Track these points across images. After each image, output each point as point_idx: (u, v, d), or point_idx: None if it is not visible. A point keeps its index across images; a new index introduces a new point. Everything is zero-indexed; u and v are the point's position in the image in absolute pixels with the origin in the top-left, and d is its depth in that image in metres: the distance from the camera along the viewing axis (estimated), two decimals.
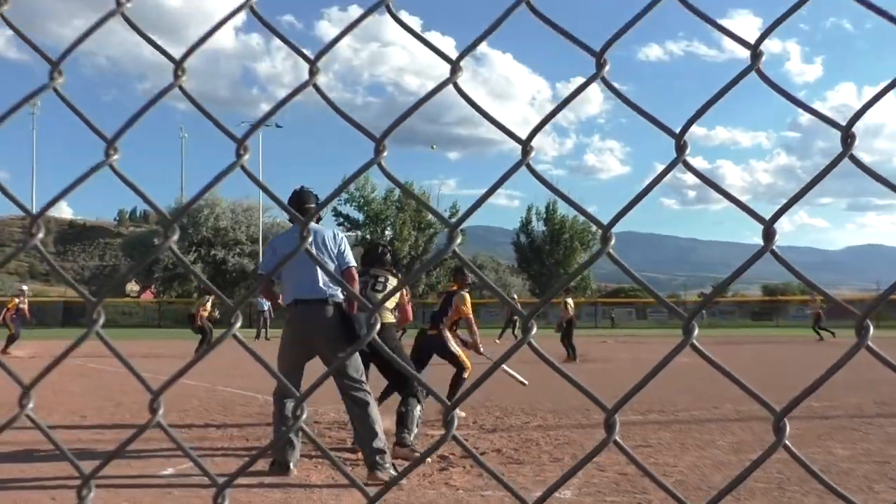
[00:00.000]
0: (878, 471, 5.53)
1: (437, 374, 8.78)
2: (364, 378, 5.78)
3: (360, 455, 6.19)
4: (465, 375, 8.44)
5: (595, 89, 0.83)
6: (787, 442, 0.73)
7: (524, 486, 5.13)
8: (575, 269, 0.75)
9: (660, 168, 0.83)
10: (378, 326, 0.80)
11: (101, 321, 0.85)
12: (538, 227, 68.85)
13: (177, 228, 0.80)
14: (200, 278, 0.87)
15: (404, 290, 7.09)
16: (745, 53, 0.76)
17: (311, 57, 0.84)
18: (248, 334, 29.22)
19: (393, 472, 5.37)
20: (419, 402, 6.49)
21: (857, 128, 0.73)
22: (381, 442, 5.46)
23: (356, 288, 6.04)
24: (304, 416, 0.82)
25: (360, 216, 66.47)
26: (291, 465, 5.54)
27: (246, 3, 0.80)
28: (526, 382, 8.75)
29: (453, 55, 0.83)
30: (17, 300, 20.59)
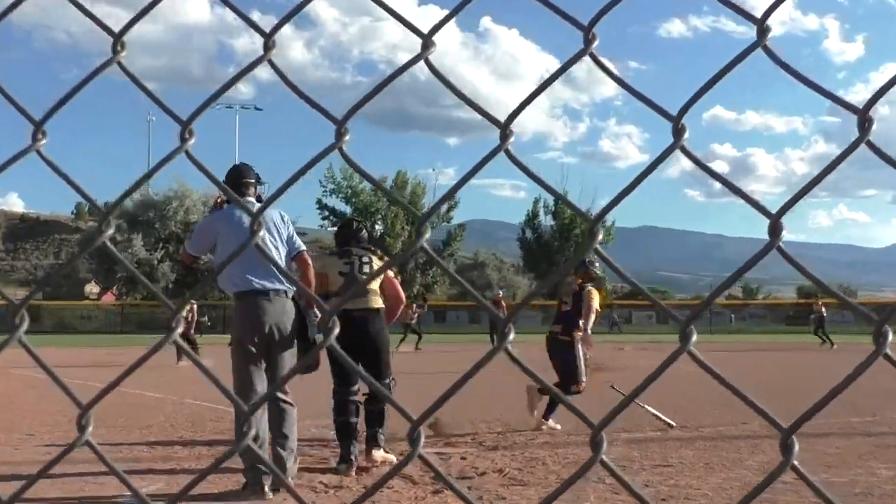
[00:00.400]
0: None
1: (438, 383, 8.78)
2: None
3: (340, 478, 6.19)
4: (576, 390, 8.55)
5: (611, 67, 0.82)
6: (795, 462, 0.73)
7: None
8: (554, 270, 0.75)
9: (683, 158, 0.83)
10: (336, 330, 0.80)
11: (25, 326, 0.85)
12: (546, 221, 69.07)
13: (111, 222, 0.80)
14: (141, 279, 0.87)
15: (395, 272, 7.10)
16: (780, 30, 0.76)
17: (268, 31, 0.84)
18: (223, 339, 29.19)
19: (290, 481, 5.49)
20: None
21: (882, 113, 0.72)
22: (294, 445, 5.66)
23: (311, 273, 6.11)
24: (253, 433, 0.81)
25: (347, 209, 66.51)
26: (266, 487, 5.48)
27: None
28: (674, 424, 8.55)
29: (454, 31, 0.82)
30: None
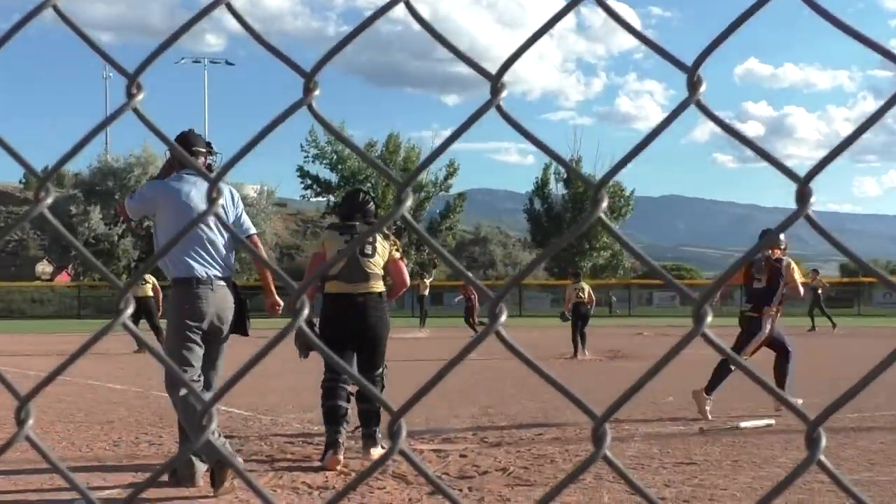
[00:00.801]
0: None
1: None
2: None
3: (325, 478, 6.23)
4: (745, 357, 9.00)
5: (630, 14, 0.81)
6: (822, 457, 0.73)
7: None
8: (551, 243, 0.74)
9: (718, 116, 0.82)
10: (305, 312, 0.80)
11: None
12: (557, 189, 68.83)
13: (50, 189, 0.79)
14: (85, 253, 0.86)
15: (394, 248, 7.08)
16: None
17: None
18: None
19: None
20: (381, 391, 6.80)
21: None
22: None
23: (262, 254, 6.15)
24: (214, 426, 0.81)
25: (333, 177, 66.37)
26: (198, 476, 5.78)
27: None
28: (773, 423, 8.51)
29: None
30: None
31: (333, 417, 6.73)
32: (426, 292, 29.76)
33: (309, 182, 66.73)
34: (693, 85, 0.75)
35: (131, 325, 0.84)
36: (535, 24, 0.81)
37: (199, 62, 73.62)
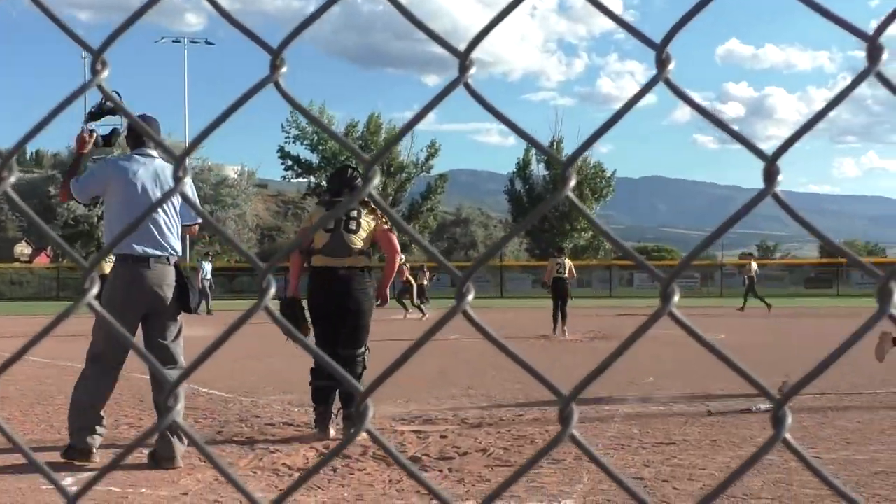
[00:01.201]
0: None
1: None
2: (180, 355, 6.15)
3: (303, 457, 6.23)
4: None
5: None
6: (787, 436, 0.73)
7: (515, 493, 5.18)
8: (519, 222, 0.73)
9: (697, 97, 0.82)
10: (272, 291, 0.79)
11: None
12: (538, 170, 68.91)
13: (14, 167, 0.78)
14: (44, 228, 0.85)
15: (380, 221, 7.09)
16: None
17: None
18: None
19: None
20: (362, 371, 6.98)
21: None
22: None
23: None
24: (180, 406, 0.80)
25: (314, 158, 66.17)
26: (95, 450, 5.95)
27: None
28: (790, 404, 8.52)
29: None
30: None
31: (321, 397, 6.89)
32: (425, 281, 29.88)
33: (290, 163, 66.58)
34: (662, 62, 0.75)
35: (96, 304, 0.84)
36: (521, 5, 0.80)
37: (179, 42, 73.01)
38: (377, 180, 0.78)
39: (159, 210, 5.90)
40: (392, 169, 65.45)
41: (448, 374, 11.01)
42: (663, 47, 0.75)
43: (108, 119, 6.20)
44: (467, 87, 0.77)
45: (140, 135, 6.13)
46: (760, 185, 0.77)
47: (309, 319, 7.10)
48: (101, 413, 6.06)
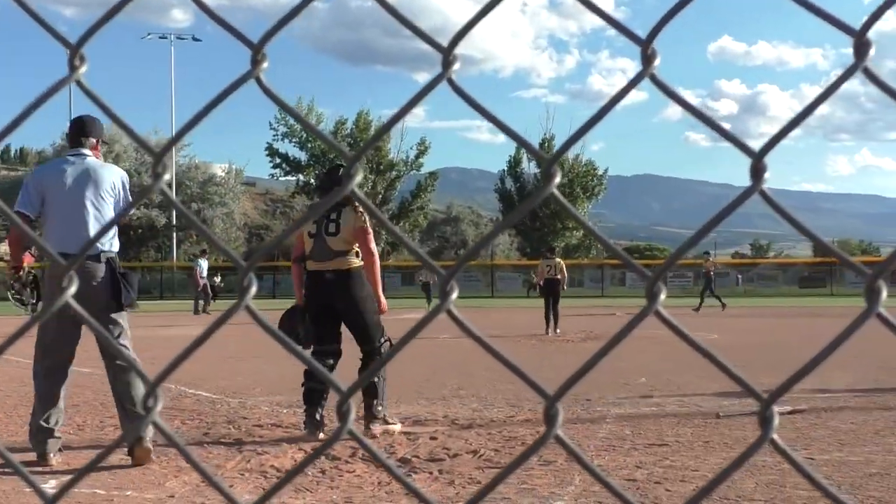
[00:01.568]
0: None
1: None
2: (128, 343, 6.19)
3: (291, 459, 6.22)
4: None
5: None
6: (774, 436, 0.73)
7: (506, 496, 5.18)
8: (501, 221, 0.73)
9: (688, 94, 0.82)
10: (253, 290, 0.79)
11: None
12: (529, 168, 68.90)
13: None
14: (28, 233, 0.85)
15: (359, 219, 7.15)
16: None
17: None
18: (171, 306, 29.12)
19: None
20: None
21: None
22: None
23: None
24: (160, 407, 0.80)
25: (302, 155, 66.07)
26: (51, 455, 6.02)
27: None
28: (805, 407, 8.15)
29: None
30: None
31: (312, 399, 6.97)
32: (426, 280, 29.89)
33: (278, 161, 66.41)
34: (647, 58, 0.75)
35: (75, 304, 0.83)
36: (510, 1, 0.80)
37: (166, 38, 72.88)
38: (359, 177, 0.78)
39: (88, 207, 6.01)
40: (381, 167, 65.44)
41: (438, 375, 11.00)
42: (648, 43, 0.75)
43: None
44: (451, 83, 0.77)
45: (74, 135, 6.26)
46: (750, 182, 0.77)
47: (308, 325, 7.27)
48: (52, 412, 6.12)
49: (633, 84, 0.75)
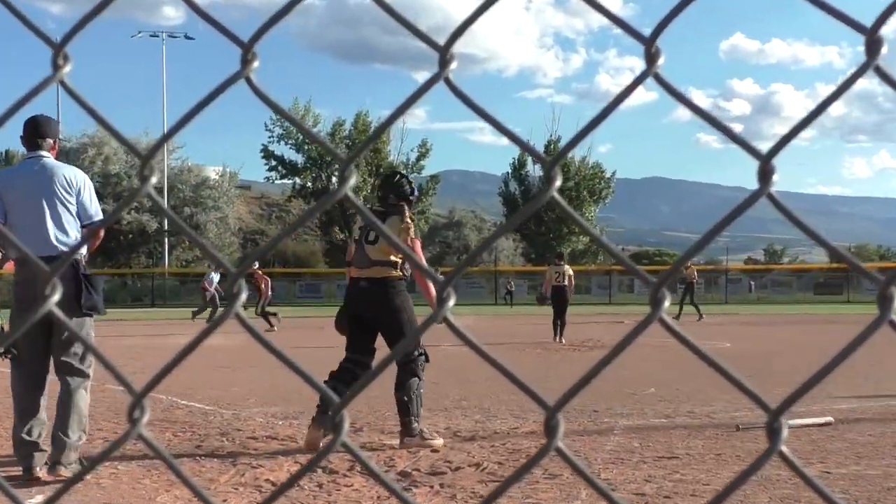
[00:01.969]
0: None
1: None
2: (89, 360, 6.21)
3: (287, 472, 6.22)
4: None
5: None
6: (783, 448, 0.73)
7: None
8: (507, 222, 0.72)
9: (699, 94, 0.82)
10: (243, 297, 0.79)
11: None
12: (534, 171, 68.90)
13: None
14: (11, 238, 0.85)
15: (403, 229, 7.26)
16: None
17: None
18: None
19: (69, 472, 5.86)
20: (420, 380, 7.28)
21: None
22: (75, 436, 5.98)
23: (93, 247, 6.55)
24: (146, 419, 0.80)
25: (298, 158, 66.13)
26: (37, 468, 5.94)
27: None
28: (832, 420, 8.10)
29: None
30: None
31: (324, 403, 6.97)
32: None
33: (273, 163, 66.45)
34: (651, 57, 0.75)
35: (58, 311, 0.83)
36: None
37: (157, 36, 72.99)
38: (354, 180, 0.78)
39: (47, 209, 6.03)
40: (381, 170, 65.43)
41: (439, 385, 10.99)
42: (652, 41, 0.75)
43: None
44: (448, 82, 0.77)
45: (30, 137, 6.25)
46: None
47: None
48: (33, 424, 6.09)
49: (636, 84, 0.75)
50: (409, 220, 7.31)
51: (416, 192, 7.80)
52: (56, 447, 5.91)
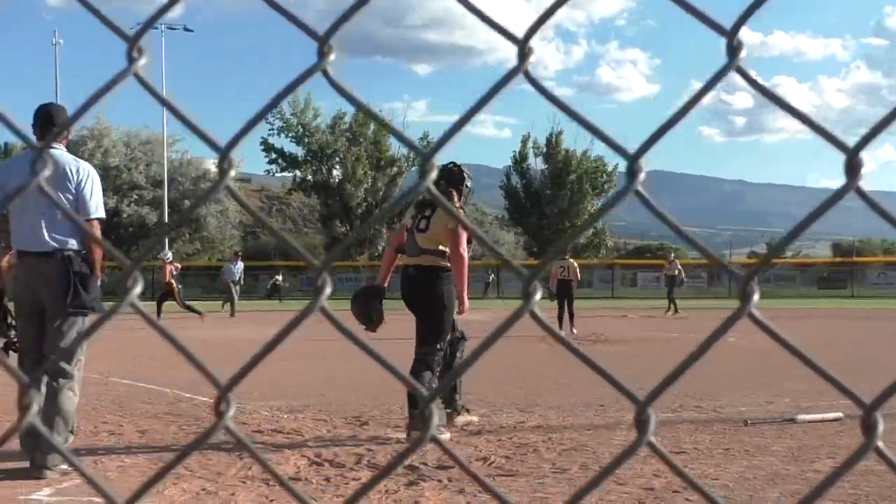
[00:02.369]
0: None
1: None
2: (78, 361, 6.18)
3: (294, 466, 6.23)
4: None
5: None
6: (880, 444, 0.73)
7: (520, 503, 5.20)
8: (587, 217, 0.73)
9: (699, 87, 0.82)
10: (328, 290, 0.78)
11: None
12: (536, 164, 68.75)
13: None
14: None
15: (459, 224, 7.32)
16: None
17: None
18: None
19: (55, 473, 5.85)
20: (433, 374, 7.33)
21: None
22: (60, 438, 5.91)
23: (99, 249, 6.27)
24: (231, 412, 0.80)
25: (299, 151, 66.05)
26: (48, 463, 5.85)
27: None
28: (841, 415, 7.98)
29: None
30: None
31: (411, 398, 7.25)
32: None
33: (274, 156, 66.27)
34: (734, 49, 0.75)
35: (136, 303, 0.83)
36: None
37: (156, 28, 72.83)
38: (435, 173, 0.78)
39: (38, 204, 5.86)
40: (382, 163, 65.39)
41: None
42: (734, 33, 0.75)
43: None
44: (527, 75, 0.77)
45: (42, 126, 6.13)
46: (767, 180, 0.82)
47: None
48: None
49: (720, 76, 0.75)
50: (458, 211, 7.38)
51: (469, 185, 7.96)
52: (40, 450, 5.83)
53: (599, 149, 63.28)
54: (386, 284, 7.80)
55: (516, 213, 68.66)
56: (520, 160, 69.44)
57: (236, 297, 30.82)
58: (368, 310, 7.50)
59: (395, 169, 66.72)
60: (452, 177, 7.75)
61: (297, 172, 66.98)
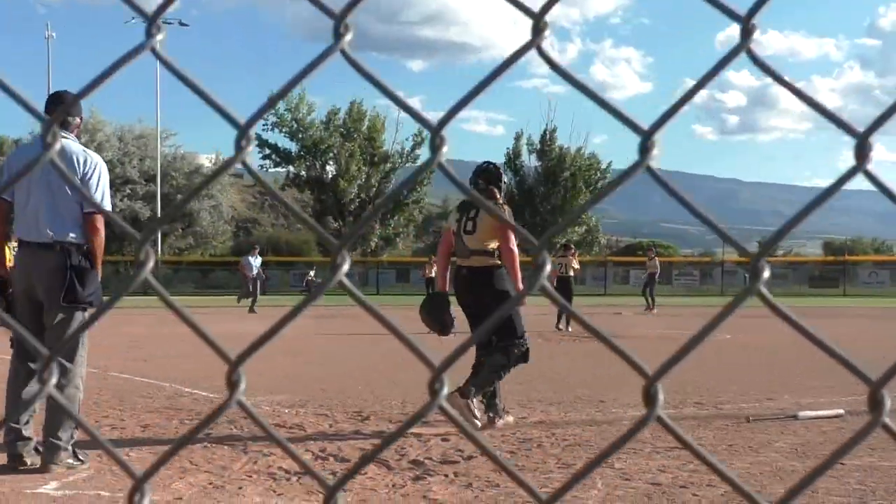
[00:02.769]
0: None
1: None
2: (82, 355, 6.12)
3: (297, 464, 6.22)
4: None
5: None
6: (886, 420, 0.74)
7: (527, 498, 5.19)
8: (593, 196, 0.73)
9: (690, 84, 0.83)
10: (346, 267, 0.79)
11: None
12: (529, 161, 68.61)
13: None
14: None
15: (507, 215, 7.36)
16: None
17: None
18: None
19: (75, 462, 5.91)
20: (507, 365, 7.54)
21: None
22: (66, 435, 5.86)
23: (99, 241, 6.17)
24: (243, 386, 0.81)
25: (292, 146, 65.84)
26: (24, 455, 5.88)
27: None
28: (842, 412, 8.07)
29: None
30: None
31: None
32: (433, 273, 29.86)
33: (267, 152, 65.99)
34: (747, 32, 0.76)
35: (153, 280, 0.84)
36: None
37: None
38: (447, 147, 0.79)
39: (41, 193, 5.89)
40: (376, 159, 65.20)
41: (447, 374, 10.99)
42: (749, 18, 0.76)
43: None
44: (539, 50, 0.78)
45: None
46: (760, 178, 0.81)
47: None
48: (20, 409, 6.02)
49: (731, 56, 0.76)
50: (501, 209, 7.48)
51: (505, 181, 8.14)
52: (48, 450, 5.83)
53: (592, 146, 63.27)
54: (447, 289, 7.93)
55: (510, 208, 68.38)
56: (512, 157, 69.27)
57: (258, 293, 30.01)
58: (441, 317, 7.58)
59: (388, 164, 66.57)
60: (491, 175, 7.87)
61: (291, 168, 66.77)
